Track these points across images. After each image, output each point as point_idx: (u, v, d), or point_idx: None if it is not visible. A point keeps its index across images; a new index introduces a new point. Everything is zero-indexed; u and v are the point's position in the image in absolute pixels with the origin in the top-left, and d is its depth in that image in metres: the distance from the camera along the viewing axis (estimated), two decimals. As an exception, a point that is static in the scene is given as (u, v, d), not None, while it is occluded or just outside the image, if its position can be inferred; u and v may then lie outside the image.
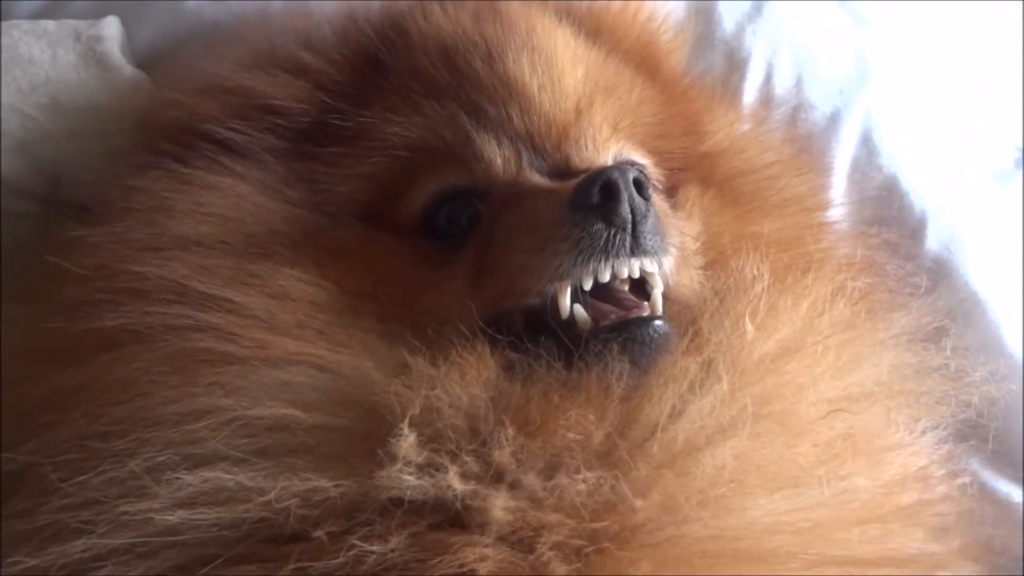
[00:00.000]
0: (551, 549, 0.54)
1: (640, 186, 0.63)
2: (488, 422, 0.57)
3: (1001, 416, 0.89)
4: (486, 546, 0.54)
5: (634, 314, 0.63)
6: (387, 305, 0.67)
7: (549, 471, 0.56)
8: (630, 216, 0.62)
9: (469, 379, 0.59)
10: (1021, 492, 0.92)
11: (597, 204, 0.62)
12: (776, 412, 0.61)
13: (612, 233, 0.62)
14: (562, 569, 0.54)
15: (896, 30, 1.13)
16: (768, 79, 1.00)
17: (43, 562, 0.56)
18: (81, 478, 0.57)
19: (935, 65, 1.16)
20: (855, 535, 0.60)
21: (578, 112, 0.73)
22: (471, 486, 0.55)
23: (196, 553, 0.56)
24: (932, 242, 0.98)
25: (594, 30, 0.81)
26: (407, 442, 0.55)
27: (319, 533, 0.54)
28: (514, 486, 0.56)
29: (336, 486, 0.55)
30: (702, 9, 1.01)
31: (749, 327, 0.64)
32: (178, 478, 0.56)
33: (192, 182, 0.70)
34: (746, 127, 0.93)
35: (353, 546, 0.53)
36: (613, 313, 0.63)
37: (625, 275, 0.63)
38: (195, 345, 0.62)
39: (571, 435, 0.56)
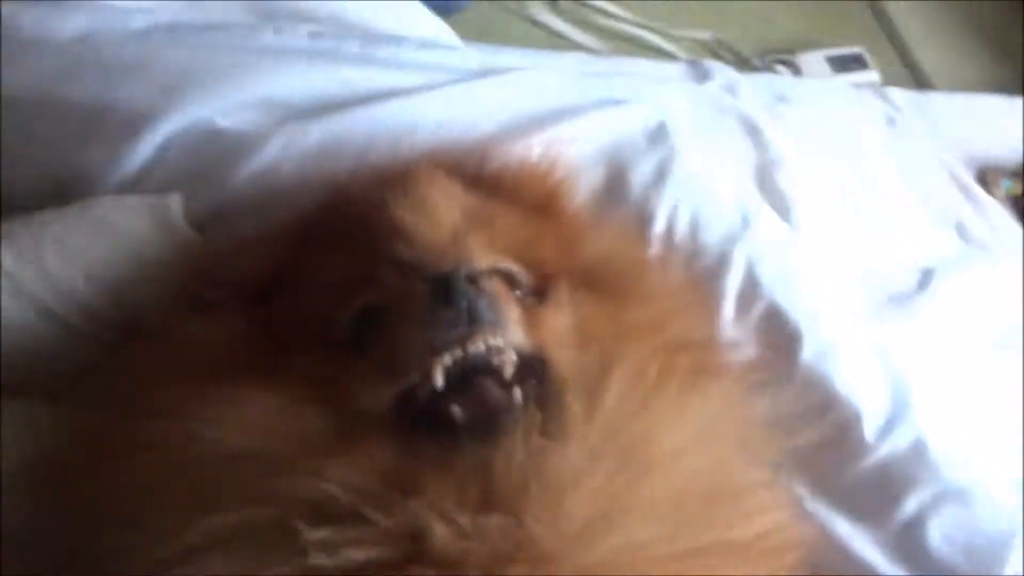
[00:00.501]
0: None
1: (471, 278, 0.79)
2: (379, 496, 0.69)
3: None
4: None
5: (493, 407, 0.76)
6: (324, 404, 0.80)
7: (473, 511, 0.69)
8: (464, 299, 0.77)
9: (362, 463, 0.72)
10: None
11: (442, 296, 0.78)
12: (628, 453, 0.73)
13: (451, 313, 0.77)
14: None
15: (807, 167, 1.39)
16: (669, 229, 1.24)
17: None
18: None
19: (843, 195, 1.42)
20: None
21: (454, 239, 0.89)
22: (375, 551, 0.67)
23: None
24: (807, 355, 1.18)
25: (492, 185, 1.03)
26: (310, 532, 0.67)
27: None
28: (448, 523, 0.68)
29: (286, 567, 0.67)
30: (616, 180, 1.27)
31: (570, 400, 0.79)
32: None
33: (191, 325, 0.92)
34: (617, 240, 1.10)
35: None
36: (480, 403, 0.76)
37: (472, 350, 0.77)
38: (185, 449, 0.76)
39: (445, 500, 0.69)
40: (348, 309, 0.88)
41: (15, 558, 0.82)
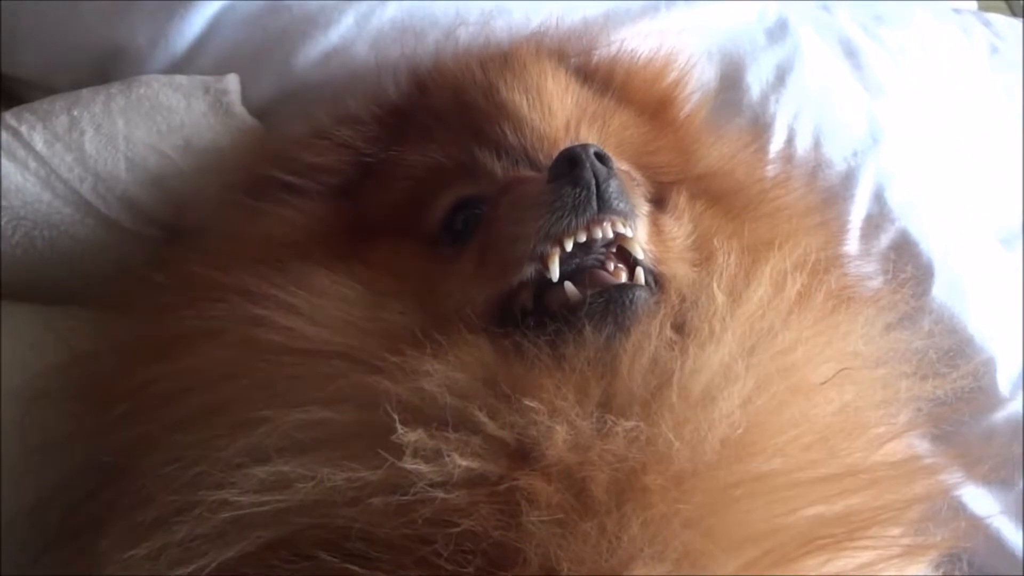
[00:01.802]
0: (600, 487, 0.60)
1: (601, 157, 0.71)
2: (483, 399, 0.63)
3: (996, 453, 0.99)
4: (545, 479, 0.60)
5: (615, 282, 0.70)
6: (408, 300, 0.74)
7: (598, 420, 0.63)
8: (593, 179, 0.70)
9: (464, 363, 0.66)
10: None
11: (567, 173, 0.71)
12: (771, 371, 0.67)
13: (578, 192, 0.70)
14: (608, 507, 0.59)
15: (908, 98, 1.23)
16: (790, 140, 1.11)
17: (151, 552, 0.62)
18: (167, 469, 0.64)
19: (944, 131, 1.26)
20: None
21: (567, 128, 0.84)
22: (477, 462, 0.61)
23: (264, 539, 0.61)
24: (938, 290, 1.07)
25: (604, 80, 0.93)
26: (407, 433, 0.61)
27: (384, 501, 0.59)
28: (569, 428, 0.62)
29: (372, 473, 0.61)
30: (731, 80, 1.13)
31: (717, 292, 0.71)
32: (249, 471, 0.62)
33: (261, 213, 0.84)
34: (737, 152, 1.00)
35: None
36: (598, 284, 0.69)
37: (599, 235, 0.70)
38: (254, 335, 0.70)
39: (562, 402, 0.63)
40: (441, 201, 0.82)
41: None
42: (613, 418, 0.62)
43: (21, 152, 0.88)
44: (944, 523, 0.76)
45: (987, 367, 1.05)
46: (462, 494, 0.59)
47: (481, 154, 0.81)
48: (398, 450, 0.60)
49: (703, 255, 0.81)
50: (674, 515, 0.60)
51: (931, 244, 1.09)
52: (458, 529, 0.59)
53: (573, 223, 0.70)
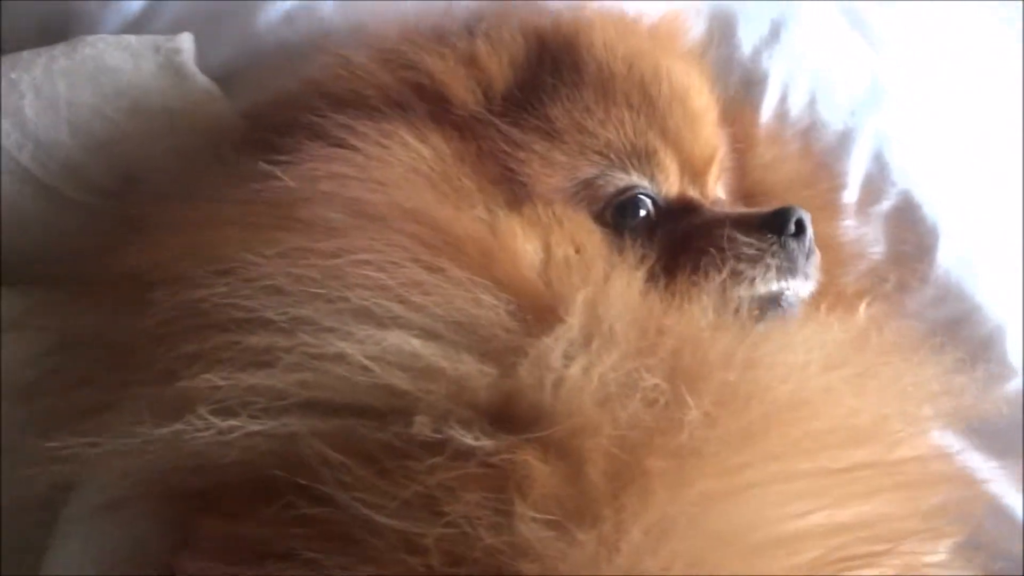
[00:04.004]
0: (598, 469, 0.57)
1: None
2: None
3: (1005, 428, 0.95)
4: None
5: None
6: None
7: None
8: (807, 243, 0.80)
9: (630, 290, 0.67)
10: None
11: (792, 233, 0.79)
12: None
13: (801, 259, 0.79)
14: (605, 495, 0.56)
15: (912, 55, 1.17)
16: (783, 99, 1.05)
17: (227, 385, 0.59)
18: (277, 314, 0.60)
19: (952, 91, 1.20)
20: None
21: (713, 152, 0.88)
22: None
23: (336, 427, 0.58)
24: (944, 255, 1.02)
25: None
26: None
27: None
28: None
29: (483, 374, 0.59)
30: (722, 34, 1.07)
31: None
32: (376, 332, 0.60)
33: (390, 136, 0.75)
34: (770, 154, 1.00)
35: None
36: None
37: (794, 290, 0.79)
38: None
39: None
40: (609, 182, 0.81)
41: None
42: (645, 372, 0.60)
43: (-45, 118, 0.82)
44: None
45: (996, 335, 1.00)
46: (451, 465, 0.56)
47: (662, 150, 0.83)
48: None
49: None
50: (678, 515, 0.56)
51: (936, 208, 1.04)
52: (446, 519, 0.54)
53: (787, 281, 0.79)
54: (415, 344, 0.60)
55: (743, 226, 0.80)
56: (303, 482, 0.56)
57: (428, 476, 0.55)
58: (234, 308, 0.61)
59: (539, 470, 0.56)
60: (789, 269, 0.79)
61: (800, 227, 0.79)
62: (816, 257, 0.81)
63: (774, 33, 1.08)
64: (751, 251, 0.78)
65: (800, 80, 1.07)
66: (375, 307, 0.61)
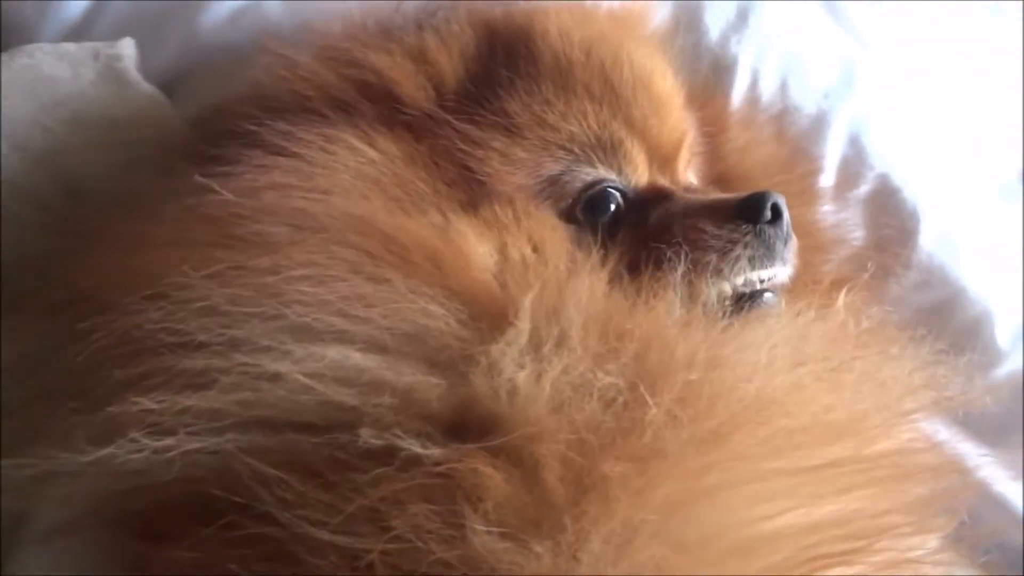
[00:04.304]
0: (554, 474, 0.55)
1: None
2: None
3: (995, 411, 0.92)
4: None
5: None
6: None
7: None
8: (785, 227, 0.77)
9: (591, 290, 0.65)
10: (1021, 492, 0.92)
11: (768, 220, 0.76)
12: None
13: (778, 243, 0.76)
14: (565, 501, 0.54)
15: (890, 39, 1.15)
16: (754, 84, 1.02)
17: (161, 408, 0.57)
18: (213, 336, 0.58)
19: (930, 74, 1.17)
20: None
21: (681, 137, 0.85)
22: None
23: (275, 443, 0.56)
24: (926, 239, 0.99)
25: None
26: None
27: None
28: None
29: (433, 386, 0.57)
30: (689, 21, 1.04)
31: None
32: (316, 349, 0.58)
33: (335, 141, 0.72)
34: (743, 138, 0.97)
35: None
36: None
37: (771, 277, 0.77)
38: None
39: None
40: (574, 177, 0.78)
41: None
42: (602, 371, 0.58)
43: None
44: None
45: (983, 320, 0.97)
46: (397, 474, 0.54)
47: (628, 141, 0.80)
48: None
49: None
50: (642, 522, 0.54)
51: (916, 190, 1.01)
52: (392, 533, 0.52)
53: (766, 268, 0.76)
54: (358, 358, 0.57)
55: (715, 214, 0.77)
56: (242, 500, 0.54)
57: (373, 488, 0.53)
58: (168, 332, 0.58)
59: (491, 478, 0.54)
60: (766, 256, 0.76)
61: (776, 212, 0.77)
62: (794, 242, 0.79)
63: (742, 17, 1.05)
64: (720, 243, 0.75)
65: (770, 64, 1.04)
66: (315, 323, 0.58)
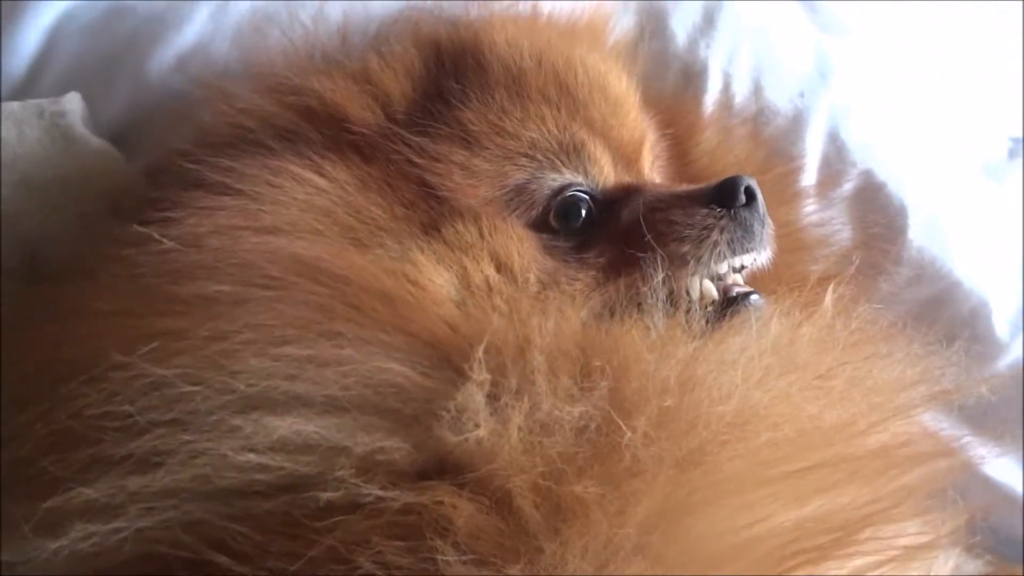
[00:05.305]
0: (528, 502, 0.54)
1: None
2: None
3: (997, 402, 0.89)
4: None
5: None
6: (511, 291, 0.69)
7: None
8: (760, 211, 0.76)
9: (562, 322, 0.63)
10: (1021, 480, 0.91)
11: (743, 203, 0.74)
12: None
13: (756, 226, 0.75)
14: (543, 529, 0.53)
15: (864, 25, 1.13)
16: (726, 88, 1.00)
17: (106, 495, 0.55)
18: (157, 415, 0.56)
19: (906, 59, 1.16)
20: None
21: (641, 136, 0.83)
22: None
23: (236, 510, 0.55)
24: (916, 233, 0.96)
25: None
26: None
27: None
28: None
29: (395, 448, 0.55)
30: (654, 27, 1.01)
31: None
32: (268, 422, 0.55)
33: (280, 174, 0.70)
34: (715, 140, 0.95)
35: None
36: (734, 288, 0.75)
37: (751, 262, 0.76)
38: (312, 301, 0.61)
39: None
40: (541, 185, 0.76)
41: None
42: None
43: None
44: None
45: (980, 311, 0.95)
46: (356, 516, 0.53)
47: (591, 142, 0.78)
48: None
49: None
50: (621, 541, 0.53)
51: (901, 183, 0.98)
52: (359, 572, 0.51)
53: (746, 253, 0.75)
54: (312, 427, 0.55)
55: (687, 203, 0.76)
56: (199, 558, 0.53)
57: (338, 532, 0.52)
58: (109, 418, 0.55)
59: (460, 509, 0.53)
60: (745, 239, 0.75)
61: (750, 194, 0.75)
62: (771, 225, 0.77)
63: (708, 20, 1.02)
64: (694, 231, 0.74)
65: (742, 66, 1.01)
66: (265, 391, 0.56)
